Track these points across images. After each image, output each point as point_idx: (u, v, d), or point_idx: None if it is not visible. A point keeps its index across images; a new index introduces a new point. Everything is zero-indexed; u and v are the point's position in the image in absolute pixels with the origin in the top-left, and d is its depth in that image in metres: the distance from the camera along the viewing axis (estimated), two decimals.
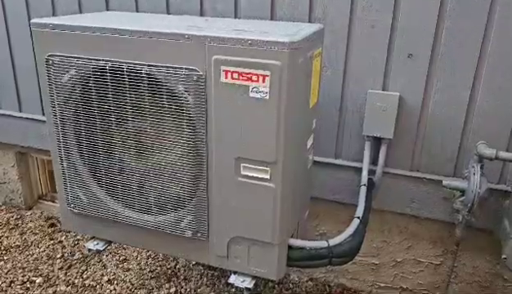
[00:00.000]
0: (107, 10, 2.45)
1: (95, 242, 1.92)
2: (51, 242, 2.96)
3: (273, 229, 1.58)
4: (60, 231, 3.06)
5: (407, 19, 1.95)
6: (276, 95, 1.41)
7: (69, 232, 3.00)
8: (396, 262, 2.43)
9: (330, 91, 2.15)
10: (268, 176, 1.52)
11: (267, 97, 1.42)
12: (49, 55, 1.65)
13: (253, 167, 1.53)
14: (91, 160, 1.76)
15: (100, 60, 1.58)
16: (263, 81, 1.40)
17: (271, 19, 2.17)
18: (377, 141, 2.15)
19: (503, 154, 1.84)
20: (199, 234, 1.70)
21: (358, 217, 1.84)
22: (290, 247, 1.71)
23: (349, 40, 2.07)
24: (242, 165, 1.54)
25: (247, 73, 1.41)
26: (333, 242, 1.72)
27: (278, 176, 1.51)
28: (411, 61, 2.00)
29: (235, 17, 2.23)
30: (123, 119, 1.64)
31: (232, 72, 1.43)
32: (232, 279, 1.72)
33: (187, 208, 1.67)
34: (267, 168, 1.51)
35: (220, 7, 2.23)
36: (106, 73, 1.58)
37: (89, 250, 1.92)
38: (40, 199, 3.35)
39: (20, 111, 2.89)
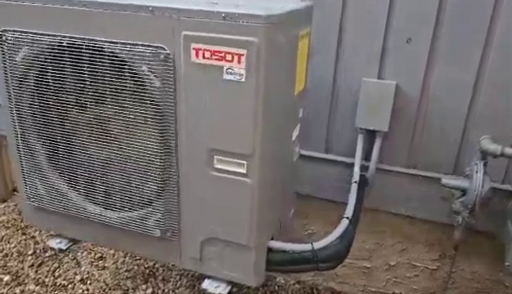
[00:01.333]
0: None
1: (57, 240, 1.74)
2: (23, 237, 2.78)
3: (250, 230, 1.41)
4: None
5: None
6: (254, 78, 1.22)
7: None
8: (389, 266, 2.25)
9: (320, 78, 1.97)
10: (244, 171, 1.34)
11: (243, 79, 1.23)
12: (2, 31, 1.46)
13: (227, 159, 1.35)
14: (49, 148, 1.57)
15: (56, 35, 1.39)
16: (239, 61, 1.22)
17: None
18: (371, 134, 1.97)
19: (509, 151, 1.66)
20: (168, 234, 1.52)
21: (347, 217, 1.66)
22: (270, 250, 1.53)
23: (342, 22, 1.89)
24: (216, 157, 1.36)
25: (220, 52, 1.23)
26: (318, 244, 1.54)
27: (255, 171, 1.33)
28: (410, 47, 1.81)
29: None
30: (82, 103, 1.46)
31: (204, 50, 1.24)
32: (206, 284, 1.54)
33: (155, 204, 1.49)
34: (244, 161, 1.33)
35: None
36: (64, 50, 1.39)
37: (51, 249, 1.74)
38: (15, 191, 3.16)
39: None
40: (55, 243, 1.73)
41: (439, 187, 1.88)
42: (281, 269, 1.57)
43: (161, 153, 1.41)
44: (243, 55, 1.21)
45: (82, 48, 1.36)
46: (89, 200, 1.60)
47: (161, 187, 1.46)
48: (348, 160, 2.06)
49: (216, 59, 1.24)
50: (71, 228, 1.71)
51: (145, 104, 1.36)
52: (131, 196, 1.51)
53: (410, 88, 1.86)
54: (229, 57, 1.22)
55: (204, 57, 1.25)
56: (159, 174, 1.44)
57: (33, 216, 1.77)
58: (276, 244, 1.52)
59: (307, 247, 1.53)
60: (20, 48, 1.44)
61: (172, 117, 1.35)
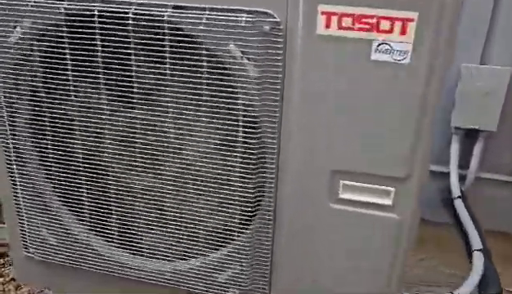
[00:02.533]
0: None
1: None
2: (0, 280, 2.18)
3: (388, 286, 0.95)
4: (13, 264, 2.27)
5: None
6: (426, 58, 0.76)
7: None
8: None
9: None
10: (390, 202, 0.88)
11: (407, 60, 0.77)
12: None
13: (362, 185, 0.88)
14: (63, 177, 1.04)
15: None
16: (403, 30, 0.75)
17: None
18: (470, 136, 1.56)
19: None
20: None
21: (479, 249, 1.24)
22: None
23: None
24: (342, 183, 0.89)
25: (371, 17, 0.76)
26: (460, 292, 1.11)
27: (407, 202, 0.88)
28: None
29: None
30: (123, 107, 0.94)
31: (342, 15, 0.77)
32: None
33: (233, 248, 1.00)
34: (391, 188, 0.87)
35: None
36: (92, 23, 0.87)
37: None
38: None
39: None
40: None
41: None
42: None
43: (251, 175, 0.92)
44: (412, 20, 0.75)
45: (124, 18, 0.85)
46: (126, 249, 1.08)
47: (245, 224, 0.97)
48: (434, 168, 1.64)
49: (360, 28, 0.77)
50: (91, 287, 1.19)
51: (231, 105, 0.87)
52: (194, 237, 1.01)
53: None
54: (385, 25, 0.76)
55: (339, 27, 0.78)
56: (244, 203, 0.95)
57: (30, 273, 1.22)
58: None
59: None
60: (18, 23, 0.91)
61: (274, 122, 0.87)
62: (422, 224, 1.73)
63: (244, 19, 0.80)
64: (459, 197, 1.48)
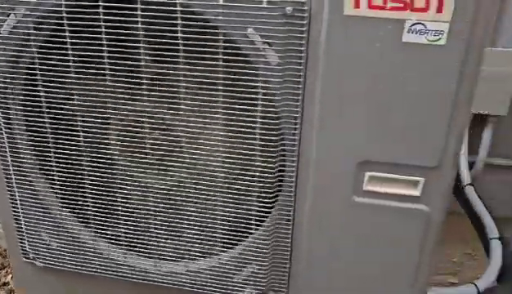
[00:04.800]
0: None
1: None
2: None
3: (415, 282, 0.91)
4: (5, 268, 2.17)
5: None
6: (464, 39, 0.71)
7: None
8: None
9: None
10: (418, 193, 0.83)
11: (443, 41, 0.72)
12: None
13: (388, 176, 0.83)
14: (64, 176, 0.97)
15: None
16: (439, 8, 0.70)
17: None
18: (478, 121, 1.53)
19: None
20: None
21: (497, 237, 1.21)
22: None
23: None
24: (367, 174, 0.84)
25: None
26: (482, 284, 1.08)
27: (438, 193, 0.83)
28: None
29: None
30: (129, 99, 0.87)
31: None
32: None
33: (250, 245, 0.94)
34: (420, 178, 0.82)
35: None
36: (96, 4, 0.79)
37: None
38: None
39: None
40: None
41: None
42: None
43: (270, 163, 0.86)
44: None
45: (132, 1, 0.77)
46: (134, 251, 1.02)
47: (263, 216, 0.91)
48: None
49: (393, 7, 0.71)
50: (90, 290, 1.12)
51: (249, 94, 0.81)
52: (209, 235, 0.96)
53: None
54: (420, 2, 0.70)
55: (370, 6, 0.72)
56: (262, 195, 0.89)
57: (30, 279, 1.14)
58: (437, 291, 1.04)
59: (470, 290, 1.07)
60: (10, 11, 0.82)
61: (296, 113, 0.81)
62: None
63: (264, 0, 0.74)
64: (469, 184, 1.45)
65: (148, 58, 0.82)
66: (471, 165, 1.56)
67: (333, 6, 0.73)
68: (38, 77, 0.87)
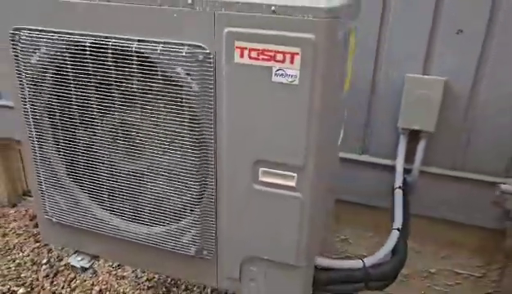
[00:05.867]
0: None
1: (79, 258, 1.59)
2: (37, 244, 2.64)
3: (298, 249, 1.26)
4: None
5: None
6: (309, 80, 1.06)
7: None
8: (428, 273, 2.11)
9: (359, 75, 1.81)
10: (294, 184, 1.19)
11: (296, 82, 1.07)
12: (15, 30, 1.30)
13: (274, 171, 1.19)
14: (70, 158, 1.42)
15: (76, 34, 1.23)
16: (292, 61, 1.06)
17: None
18: (414, 135, 1.81)
19: None
20: (204, 252, 1.37)
21: (398, 229, 1.51)
22: (316, 268, 1.39)
23: (384, 11, 1.72)
24: (261, 169, 1.21)
25: (270, 51, 1.07)
26: (369, 261, 1.40)
27: (307, 184, 1.18)
28: (461, 38, 1.65)
29: None
30: (108, 110, 1.30)
31: (250, 49, 1.08)
32: None
33: (190, 219, 1.34)
34: (294, 174, 1.18)
35: None
36: (85, 51, 1.23)
37: (73, 267, 1.60)
38: (25, 195, 3.02)
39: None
40: (76, 261, 1.59)
41: (489, 191, 1.73)
42: (328, 289, 1.43)
43: (197, 163, 1.25)
44: (297, 54, 1.05)
45: (107, 48, 1.20)
46: (114, 213, 1.45)
47: (197, 200, 1.31)
48: (385, 162, 1.91)
49: (264, 59, 1.08)
50: (94, 245, 1.57)
51: (181, 110, 1.21)
52: (163, 209, 1.37)
53: (460, 85, 1.70)
54: (279, 57, 1.07)
55: (250, 57, 1.09)
56: (194, 186, 1.29)
57: (51, 233, 1.62)
58: (324, 262, 1.38)
59: (357, 264, 1.39)
60: (37, 49, 1.28)
61: (210, 124, 1.20)
62: (360, 207, 2.05)
63: (185, 50, 1.13)
64: (399, 187, 1.74)
65: (116, 90, 1.24)
66: (409, 171, 1.85)
67: (228, 55, 1.10)
68: (52, 90, 1.33)
